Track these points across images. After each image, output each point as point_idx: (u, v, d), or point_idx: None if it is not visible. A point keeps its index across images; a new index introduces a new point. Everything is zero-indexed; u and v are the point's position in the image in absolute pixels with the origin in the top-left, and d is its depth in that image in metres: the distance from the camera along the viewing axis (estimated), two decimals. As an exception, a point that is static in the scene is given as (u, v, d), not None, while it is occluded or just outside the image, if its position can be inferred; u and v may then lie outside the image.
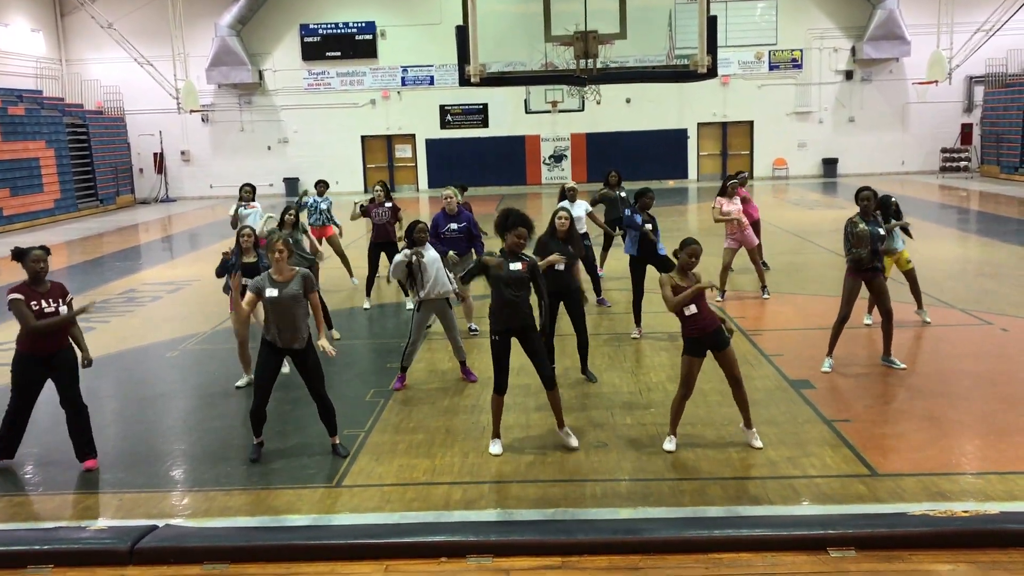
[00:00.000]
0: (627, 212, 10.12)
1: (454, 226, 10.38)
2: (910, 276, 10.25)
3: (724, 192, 12.00)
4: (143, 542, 5.38)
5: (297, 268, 6.83)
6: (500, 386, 6.84)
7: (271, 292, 6.64)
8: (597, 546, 5.24)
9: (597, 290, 11.84)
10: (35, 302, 6.57)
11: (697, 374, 6.70)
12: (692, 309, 6.53)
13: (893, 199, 9.82)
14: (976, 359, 8.96)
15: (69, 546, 5.42)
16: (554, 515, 5.76)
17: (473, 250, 10.44)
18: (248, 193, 12.98)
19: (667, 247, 9.21)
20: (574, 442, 6.89)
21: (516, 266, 6.77)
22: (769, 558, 5.09)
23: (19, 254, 6.64)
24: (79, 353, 6.86)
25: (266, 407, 6.82)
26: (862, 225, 8.36)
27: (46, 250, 6.80)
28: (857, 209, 8.54)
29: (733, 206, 11.83)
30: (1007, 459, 6.40)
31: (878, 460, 6.43)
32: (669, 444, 6.76)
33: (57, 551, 5.36)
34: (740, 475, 6.31)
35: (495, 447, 6.88)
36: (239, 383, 8.80)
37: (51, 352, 6.66)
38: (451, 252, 9.21)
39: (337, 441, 6.99)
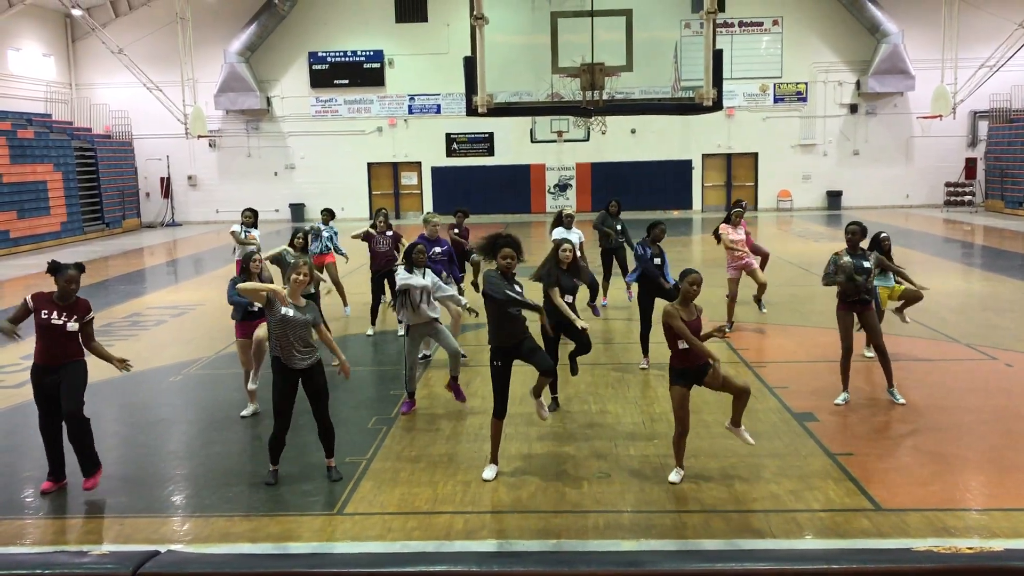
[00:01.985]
0: (638, 247, 10.13)
1: (437, 249, 10.79)
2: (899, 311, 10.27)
3: (729, 220, 12.23)
4: (145, 567, 5.34)
5: (306, 299, 6.93)
6: (499, 411, 6.93)
7: (286, 311, 6.68)
8: (599, 578, 5.21)
9: (593, 297, 11.53)
10: (45, 311, 6.61)
11: (688, 407, 6.70)
12: (685, 344, 6.56)
13: (883, 235, 9.89)
14: (980, 394, 8.94)
15: (71, 571, 5.37)
16: (556, 546, 5.74)
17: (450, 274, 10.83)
18: (249, 218, 12.92)
19: (674, 276, 9.26)
20: (545, 413, 7.21)
21: (519, 288, 6.95)
22: (772, 592, 5.05)
23: (54, 269, 6.68)
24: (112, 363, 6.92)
25: (286, 434, 6.85)
26: (846, 258, 8.49)
27: (80, 268, 6.79)
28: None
29: (737, 235, 12.04)
30: (1012, 495, 6.38)
31: (882, 495, 6.41)
32: (675, 476, 6.76)
33: (58, 575, 5.33)
34: (743, 508, 6.29)
35: (489, 472, 6.93)
36: (244, 412, 8.75)
37: (59, 363, 6.66)
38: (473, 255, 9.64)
39: (332, 464, 7.02)
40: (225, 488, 6.86)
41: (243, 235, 12.64)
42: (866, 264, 8.45)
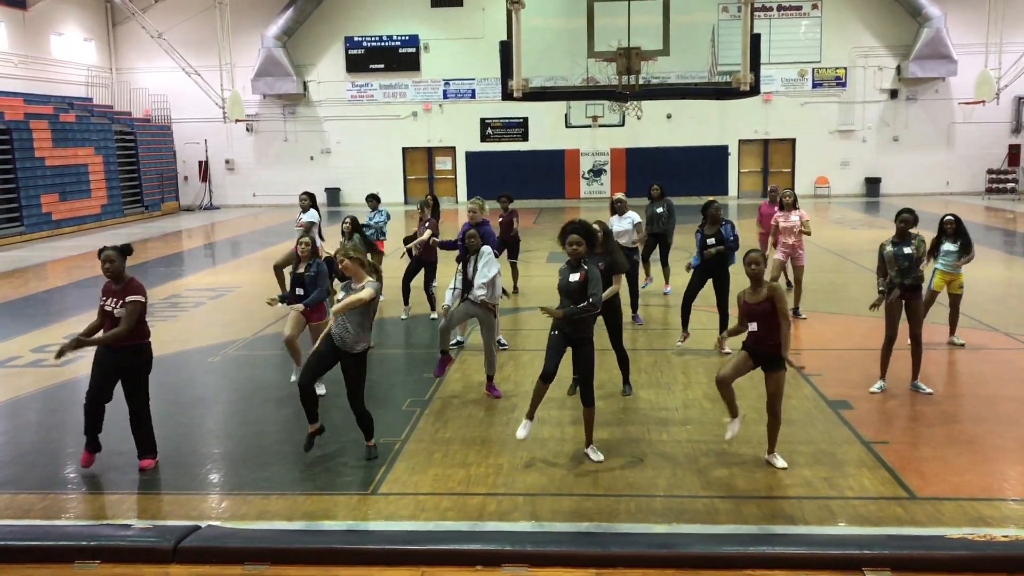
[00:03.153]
0: (698, 235, 10.16)
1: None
2: (954, 302, 10.12)
3: (781, 207, 12.15)
4: (186, 541, 5.50)
5: (370, 281, 6.94)
6: (547, 374, 6.86)
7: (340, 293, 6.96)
8: (632, 559, 5.25)
9: (634, 306, 11.77)
10: (102, 297, 6.86)
11: (742, 367, 6.70)
12: (753, 326, 6.60)
13: (947, 218, 9.87)
14: (1019, 384, 8.83)
15: (115, 543, 5.56)
16: (588, 528, 5.78)
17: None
18: (304, 201, 13.19)
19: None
20: (597, 457, 6.94)
21: (574, 277, 6.85)
22: (804, 577, 5.07)
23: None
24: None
25: (313, 386, 6.96)
26: (888, 248, 8.38)
27: (120, 250, 6.86)
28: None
29: (787, 222, 11.94)
30: (1049, 486, 6.31)
31: (916, 483, 6.37)
32: (728, 433, 6.84)
33: (104, 547, 5.49)
34: (776, 494, 6.28)
35: (522, 431, 6.92)
36: (293, 377, 9.05)
37: (119, 345, 6.77)
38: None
39: (371, 444, 7.13)
40: (262, 467, 6.98)
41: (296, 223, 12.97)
42: (907, 250, 8.33)
